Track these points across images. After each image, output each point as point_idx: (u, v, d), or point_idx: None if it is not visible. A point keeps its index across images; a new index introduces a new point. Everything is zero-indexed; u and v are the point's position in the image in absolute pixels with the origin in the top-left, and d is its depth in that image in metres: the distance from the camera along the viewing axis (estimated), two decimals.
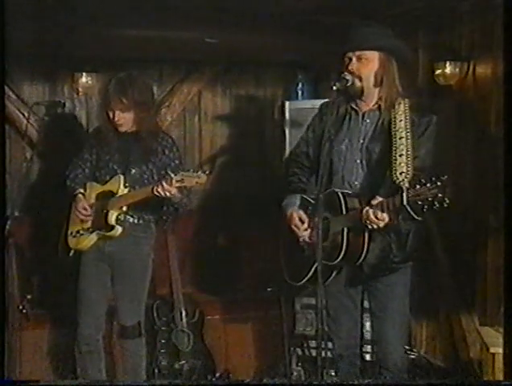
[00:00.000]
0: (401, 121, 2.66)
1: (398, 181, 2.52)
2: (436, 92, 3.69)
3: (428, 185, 2.31)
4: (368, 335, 3.30)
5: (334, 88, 2.67)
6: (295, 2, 3.49)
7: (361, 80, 2.71)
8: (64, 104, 3.59)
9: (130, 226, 3.24)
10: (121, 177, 3.20)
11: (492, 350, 3.20)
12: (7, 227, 2.93)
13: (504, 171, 2.54)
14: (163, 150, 3.22)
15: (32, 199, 4.22)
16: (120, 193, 3.19)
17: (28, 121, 3.82)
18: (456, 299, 3.71)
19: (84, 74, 4.11)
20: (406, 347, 3.55)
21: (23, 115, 4.06)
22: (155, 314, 3.87)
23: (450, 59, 3.59)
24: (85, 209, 3.27)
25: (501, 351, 2.90)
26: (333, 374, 3.05)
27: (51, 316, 3.93)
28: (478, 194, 3.48)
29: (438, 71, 3.64)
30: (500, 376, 2.92)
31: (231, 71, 4.58)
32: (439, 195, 2.27)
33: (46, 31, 3.54)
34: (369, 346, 3.38)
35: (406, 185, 2.44)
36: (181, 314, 3.85)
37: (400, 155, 2.58)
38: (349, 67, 2.71)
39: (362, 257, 2.66)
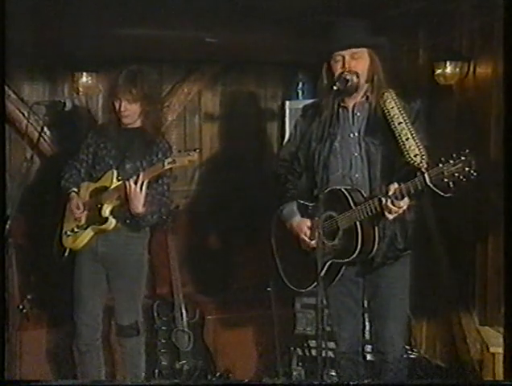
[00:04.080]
0: (393, 108, 2.69)
1: (416, 163, 2.50)
2: (436, 92, 3.70)
3: (451, 161, 2.30)
4: (369, 335, 3.30)
5: (334, 87, 2.68)
6: (296, 1, 3.49)
7: (357, 76, 2.73)
8: (64, 104, 3.57)
9: (122, 226, 3.23)
10: (114, 171, 3.21)
11: (492, 350, 3.20)
12: (7, 227, 2.93)
13: (504, 171, 2.54)
14: (156, 152, 3.22)
15: (32, 198, 4.22)
16: (113, 186, 3.19)
17: (28, 121, 3.82)
18: (456, 299, 3.71)
19: (84, 74, 4.10)
20: (407, 347, 3.55)
21: (23, 115, 4.06)
22: (155, 314, 3.88)
23: (450, 59, 3.59)
24: (78, 208, 3.27)
25: (501, 350, 2.90)
26: (334, 374, 3.06)
27: (51, 316, 3.93)
28: (478, 194, 3.47)
29: (438, 71, 3.64)
30: (500, 376, 2.92)
31: (231, 71, 4.58)
32: (466, 168, 2.27)
33: (46, 31, 3.54)
34: (370, 346, 3.38)
35: (425, 165, 2.44)
36: (181, 313, 3.85)
37: (407, 139, 2.59)
38: (346, 66, 2.72)
39: (375, 249, 2.67)
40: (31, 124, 3.93)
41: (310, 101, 3.02)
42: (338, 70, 2.73)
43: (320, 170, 2.71)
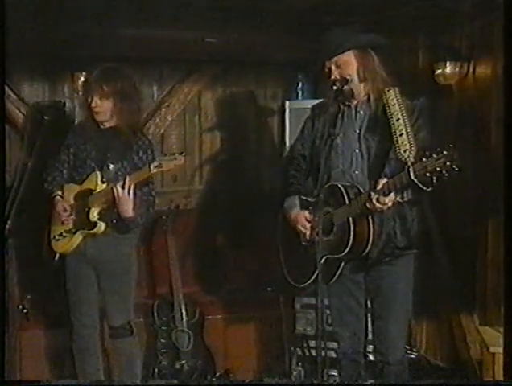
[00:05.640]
0: (394, 105, 2.70)
1: (403, 158, 2.53)
2: (436, 92, 3.69)
3: (434, 156, 2.32)
4: (371, 335, 3.30)
5: (334, 87, 2.72)
6: (296, 1, 3.49)
7: (346, 83, 2.76)
8: (64, 104, 3.58)
9: (108, 228, 3.20)
10: (98, 173, 3.19)
11: (492, 350, 3.20)
12: (7, 227, 2.93)
13: (504, 171, 2.54)
14: (137, 151, 3.20)
15: (31, 198, 4.21)
16: (98, 189, 3.17)
17: (28, 121, 3.81)
18: (456, 299, 3.71)
19: (84, 74, 4.10)
20: (407, 347, 3.55)
21: (23, 115, 4.06)
22: (155, 314, 3.88)
23: (450, 59, 3.59)
24: (65, 210, 3.25)
25: (501, 350, 2.90)
26: (334, 374, 3.06)
27: (51, 316, 3.92)
28: (478, 193, 3.48)
29: (438, 71, 3.64)
30: (500, 376, 2.92)
31: (231, 71, 4.58)
32: (448, 163, 2.29)
33: (46, 31, 3.54)
34: (372, 346, 3.38)
35: (412, 160, 2.46)
36: (181, 313, 3.85)
37: (401, 134, 2.61)
38: (332, 77, 2.76)
39: (369, 245, 2.68)
40: (31, 124, 3.93)
41: (318, 101, 3.04)
42: (328, 81, 2.78)
43: (322, 166, 2.73)
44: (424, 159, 2.36)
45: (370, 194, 2.58)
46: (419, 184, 2.41)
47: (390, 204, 2.58)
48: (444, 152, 2.30)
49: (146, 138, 3.29)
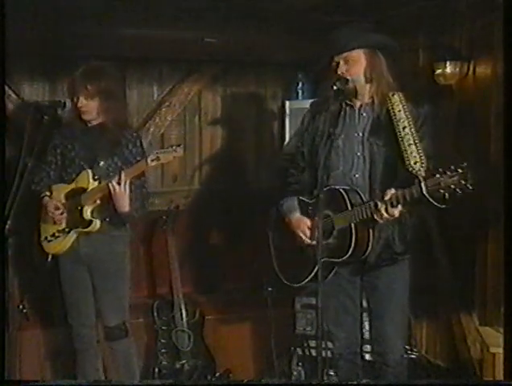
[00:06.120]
0: (399, 111, 2.68)
1: (414, 171, 2.51)
2: (436, 92, 3.69)
3: (448, 173, 2.30)
4: (367, 335, 3.30)
5: (334, 87, 2.70)
6: (296, 1, 3.49)
7: (347, 83, 2.73)
8: (64, 104, 3.56)
9: (103, 225, 3.20)
10: (89, 171, 3.18)
11: (492, 350, 3.20)
12: (7, 227, 2.92)
13: (504, 171, 2.54)
14: (126, 144, 3.20)
15: (30, 198, 4.21)
16: (91, 187, 3.16)
17: (28, 121, 3.80)
18: (456, 299, 3.71)
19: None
20: (407, 347, 3.55)
21: (23, 115, 4.05)
22: (155, 314, 3.88)
23: (450, 59, 3.59)
24: (57, 208, 3.23)
25: (501, 350, 2.90)
26: (333, 374, 3.06)
27: (51, 316, 3.92)
28: (478, 194, 3.47)
29: (438, 71, 3.64)
30: (500, 376, 2.92)
31: (231, 71, 4.58)
32: (462, 181, 2.27)
33: (46, 31, 3.54)
34: (368, 346, 3.38)
35: (423, 174, 2.44)
36: (181, 313, 3.85)
37: (409, 145, 2.59)
38: (338, 71, 2.74)
39: (368, 251, 2.67)
40: (31, 124, 3.92)
41: (317, 98, 3.02)
42: (333, 76, 2.75)
43: (321, 167, 2.70)
44: (437, 175, 2.33)
45: (377, 203, 2.55)
46: (430, 200, 2.38)
47: (397, 215, 2.56)
48: (459, 170, 2.28)
49: (133, 131, 3.29)
